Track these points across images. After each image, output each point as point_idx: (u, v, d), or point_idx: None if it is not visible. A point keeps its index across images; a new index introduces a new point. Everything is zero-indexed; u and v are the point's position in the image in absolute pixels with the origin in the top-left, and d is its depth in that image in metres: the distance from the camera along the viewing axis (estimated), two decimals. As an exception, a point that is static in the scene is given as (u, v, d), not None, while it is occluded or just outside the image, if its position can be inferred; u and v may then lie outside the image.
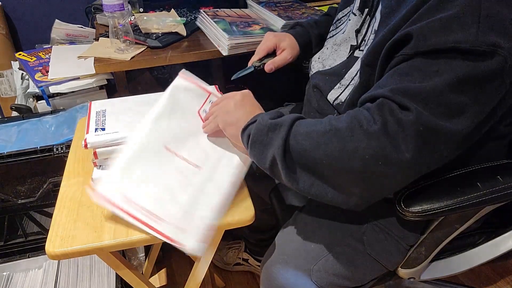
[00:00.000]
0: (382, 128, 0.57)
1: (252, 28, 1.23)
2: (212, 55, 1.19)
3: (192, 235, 0.63)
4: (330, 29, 0.92)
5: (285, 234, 0.82)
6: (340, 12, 0.90)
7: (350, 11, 0.85)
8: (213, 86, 0.90)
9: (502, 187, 0.67)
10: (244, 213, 0.70)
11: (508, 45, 0.56)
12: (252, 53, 1.21)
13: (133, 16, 1.34)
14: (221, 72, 1.40)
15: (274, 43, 0.95)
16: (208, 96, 0.78)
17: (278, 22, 1.26)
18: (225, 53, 1.16)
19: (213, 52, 1.19)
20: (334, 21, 0.91)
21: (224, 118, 0.72)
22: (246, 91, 0.77)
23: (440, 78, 0.57)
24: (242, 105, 0.73)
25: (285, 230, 0.83)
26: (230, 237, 1.41)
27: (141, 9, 1.40)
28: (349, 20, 0.82)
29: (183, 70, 0.79)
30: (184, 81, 0.76)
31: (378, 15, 0.71)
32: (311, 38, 0.99)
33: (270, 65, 0.92)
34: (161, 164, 0.68)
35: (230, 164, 0.72)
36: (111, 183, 0.64)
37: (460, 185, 0.68)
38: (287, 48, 0.94)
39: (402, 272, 0.80)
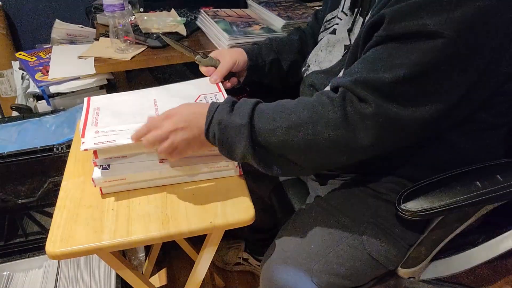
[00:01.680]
0: (343, 118, 0.62)
1: (252, 28, 1.23)
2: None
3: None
4: (320, 30, 0.92)
5: (285, 234, 0.82)
6: (329, 14, 0.90)
7: (338, 9, 0.85)
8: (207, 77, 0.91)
9: (502, 186, 0.67)
10: (244, 213, 0.70)
11: (470, 36, 0.57)
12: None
13: (134, 16, 1.34)
14: (221, 72, 1.40)
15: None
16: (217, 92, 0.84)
17: (278, 22, 1.26)
18: (225, 53, 1.16)
19: (213, 52, 1.19)
20: (323, 22, 0.91)
21: (189, 152, 0.70)
22: (173, 111, 0.69)
23: (401, 69, 0.59)
24: (190, 130, 0.68)
25: (285, 230, 0.83)
26: (230, 237, 1.41)
27: (141, 9, 1.41)
28: (340, 19, 0.82)
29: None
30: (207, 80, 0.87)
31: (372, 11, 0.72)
32: (261, 47, 0.98)
33: (213, 78, 0.88)
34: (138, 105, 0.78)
35: None
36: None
37: (460, 184, 0.69)
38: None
39: (402, 271, 0.80)
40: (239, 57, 0.91)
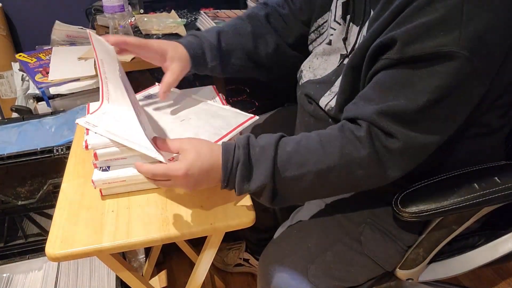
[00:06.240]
0: (373, 156, 0.62)
1: (252, 30, 1.23)
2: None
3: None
4: (313, 37, 0.90)
5: (282, 234, 0.83)
6: (320, 18, 0.88)
7: (329, 19, 0.84)
8: (211, 86, 0.90)
9: (500, 188, 0.67)
10: (245, 214, 0.70)
11: (483, 49, 0.57)
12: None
13: (134, 17, 1.34)
14: (221, 73, 1.40)
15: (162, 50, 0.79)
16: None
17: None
18: (225, 54, 1.16)
19: (213, 54, 1.19)
20: (316, 27, 0.89)
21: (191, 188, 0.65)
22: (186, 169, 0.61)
23: (423, 96, 0.59)
24: (205, 184, 0.65)
25: (282, 229, 0.84)
26: (231, 238, 1.41)
27: (141, 10, 1.41)
28: (334, 29, 0.81)
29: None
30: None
31: (367, 21, 0.71)
32: (205, 50, 0.84)
33: (163, 89, 0.78)
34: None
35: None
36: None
37: (457, 186, 0.69)
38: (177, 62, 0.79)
39: (400, 273, 0.80)
40: (184, 66, 0.80)
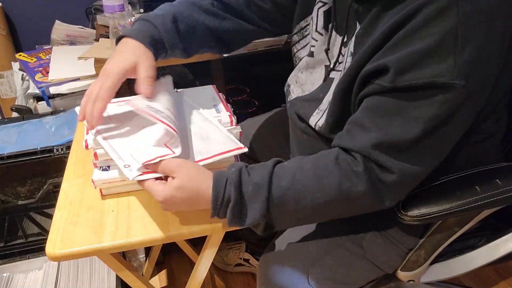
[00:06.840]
0: (370, 189, 0.62)
1: (252, 29, 1.23)
2: (212, 55, 1.19)
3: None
4: (296, 39, 0.87)
5: (282, 235, 0.82)
6: (303, 21, 0.85)
7: (311, 27, 0.81)
8: (211, 86, 0.89)
9: (501, 190, 0.67)
10: (245, 214, 0.69)
11: (478, 73, 0.56)
12: (252, 54, 1.21)
13: (134, 17, 1.33)
14: (221, 72, 1.40)
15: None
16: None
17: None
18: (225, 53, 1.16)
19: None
20: (298, 29, 0.86)
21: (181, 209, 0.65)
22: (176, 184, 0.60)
23: (418, 125, 0.58)
24: (188, 201, 0.62)
25: (283, 231, 0.83)
26: (231, 238, 1.41)
27: (141, 9, 1.40)
28: (316, 41, 0.79)
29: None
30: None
31: (354, 36, 0.69)
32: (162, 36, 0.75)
33: (145, 84, 0.69)
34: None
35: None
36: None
37: (459, 189, 0.68)
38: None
39: (402, 275, 0.80)
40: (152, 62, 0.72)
